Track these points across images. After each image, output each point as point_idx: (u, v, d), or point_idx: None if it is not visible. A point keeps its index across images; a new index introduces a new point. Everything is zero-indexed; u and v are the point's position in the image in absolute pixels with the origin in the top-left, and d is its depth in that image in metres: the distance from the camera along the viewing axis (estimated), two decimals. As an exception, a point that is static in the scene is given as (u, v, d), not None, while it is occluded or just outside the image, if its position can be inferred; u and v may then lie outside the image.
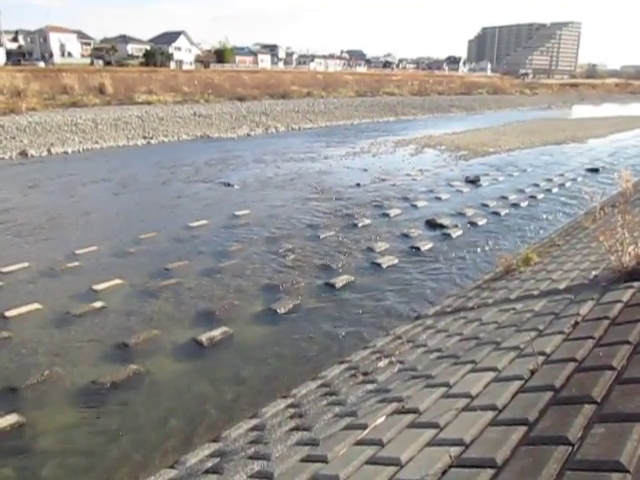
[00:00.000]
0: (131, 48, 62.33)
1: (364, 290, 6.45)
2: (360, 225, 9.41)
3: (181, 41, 64.04)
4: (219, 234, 9.00)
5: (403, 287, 6.54)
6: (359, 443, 2.12)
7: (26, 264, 7.31)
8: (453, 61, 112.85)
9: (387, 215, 10.14)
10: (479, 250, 7.93)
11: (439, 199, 11.58)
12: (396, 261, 7.47)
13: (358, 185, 13.08)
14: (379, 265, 7.29)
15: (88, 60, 54.80)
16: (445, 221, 9.44)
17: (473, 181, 13.27)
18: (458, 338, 3.31)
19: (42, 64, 46.79)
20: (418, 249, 7.99)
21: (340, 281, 6.64)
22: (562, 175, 14.29)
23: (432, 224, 9.35)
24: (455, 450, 1.75)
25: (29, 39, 56.62)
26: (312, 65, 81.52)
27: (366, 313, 5.78)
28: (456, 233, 8.80)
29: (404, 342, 3.75)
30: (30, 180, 13.57)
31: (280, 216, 10.12)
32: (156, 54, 56.51)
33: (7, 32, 56.55)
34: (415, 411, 2.21)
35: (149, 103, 31.69)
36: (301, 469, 2.11)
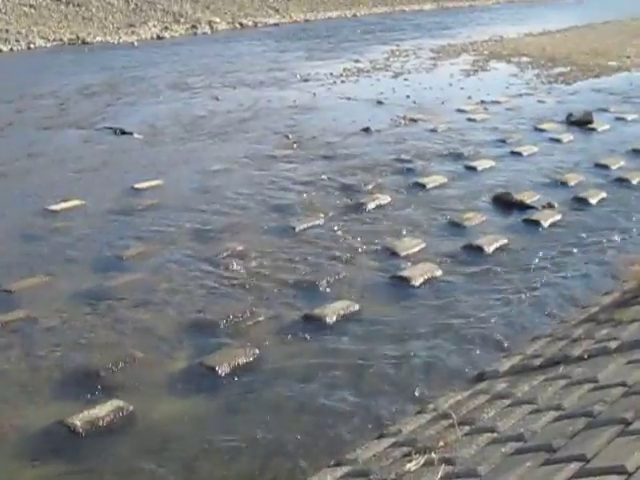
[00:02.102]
0: None
1: (378, 329, 6.44)
2: (370, 206, 9.44)
3: None
4: (105, 225, 9.09)
5: (451, 322, 6.53)
6: None
7: None
8: None
9: (421, 187, 10.21)
10: (591, 251, 7.98)
11: (518, 155, 11.69)
12: (438, 273, 7.47)
13: (367, 131, 13.27)
14: (406, 281, 7.31)
15: None
16: (529, 197, 9.49)
17: (581, 122, 13.45)
18: (554, 415, 3.36)
19: None
20: (479, 250, 8.02)
21: (333, 312, 6.63)
22: None
23: (505, 202, 9.41)
24: None
25: None
26: None
27: (382, 370, 5.77)
28: (549, 219, 8.86)
29: (454, 424, 3.80)
30: None
31: (220, 191, 10.20)
32: None
33: None
34: None
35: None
36: None
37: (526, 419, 3.50)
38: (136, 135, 13.32)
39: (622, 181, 10.35)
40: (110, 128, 13.79)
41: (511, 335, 6.21)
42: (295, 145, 12.52)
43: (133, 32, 25.08)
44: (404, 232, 8.63)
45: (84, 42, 23.90)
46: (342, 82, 18.16)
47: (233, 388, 5.61)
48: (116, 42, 24.11)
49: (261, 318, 6.66)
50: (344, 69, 19.61)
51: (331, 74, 18.87)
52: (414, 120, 14.09)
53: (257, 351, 6.05)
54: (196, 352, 6.12)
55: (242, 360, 5.92)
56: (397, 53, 22.10)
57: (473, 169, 11.06)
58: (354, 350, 6.09)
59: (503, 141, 12.54)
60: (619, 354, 4.03)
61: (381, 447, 4.00)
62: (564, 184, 10.27)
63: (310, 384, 5.61)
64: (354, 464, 3.88)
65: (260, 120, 14.33)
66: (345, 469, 3.85)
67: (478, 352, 5.97)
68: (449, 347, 6.09)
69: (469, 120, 14.11)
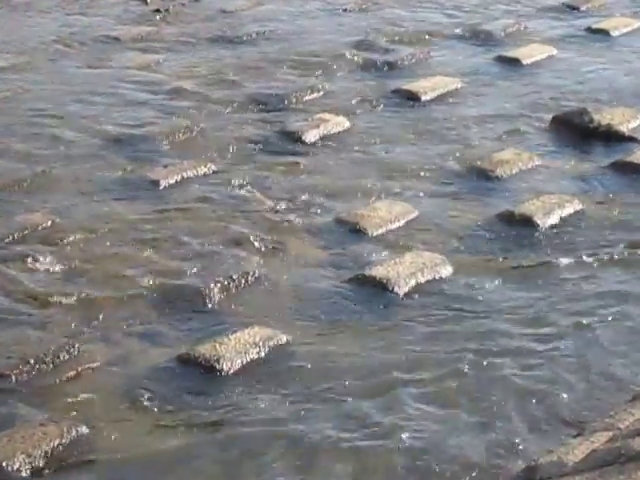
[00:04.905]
0: None
1: (322, 379, 4.57)
2: (311, 138, 6.85)
3: None
4: None
5: (467, 367, 4.64)
6: None
7: None
8: None
9: (410, 98, 7.56)
10: None
11: (601, 36, 8.91)
12: (444, 271, 5.46)
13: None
14: (381, 286, 5.31)
15: None
16: (623, 119, 7.08)
17: None
18: None
19: None
20: (526, 224, 5.80)
21: (237, 351, 4.83)
22: None
23: (575, 129, 6.99)
24: None
25: None
26: None
27: (329, 468, 4.01)
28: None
29: None
30: None
31: (9, 108, 7.38)
32: None
33: None
34: None
35: None
36: None
37: None
38: None
39: None
40: None
41: (589, 393, 4.52)
42: (159, 17, 9.19)
43: None
44: (375, 188, 6.19)
45: None
46: None
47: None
48: None
49: (91, 365, 4.52)
50: None
51: None
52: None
53: (84, 430, 4.10)
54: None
55: (55, 447, 4.07)
56: None
57: (514, 63, 8.22)
58: (273, 427, 4.14)
59: (573, 7, 9.55)
60: None
61: None
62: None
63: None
64: None
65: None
66: None
67: (525, 427, 4.28)
68: (467, 417, 4.29)
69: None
